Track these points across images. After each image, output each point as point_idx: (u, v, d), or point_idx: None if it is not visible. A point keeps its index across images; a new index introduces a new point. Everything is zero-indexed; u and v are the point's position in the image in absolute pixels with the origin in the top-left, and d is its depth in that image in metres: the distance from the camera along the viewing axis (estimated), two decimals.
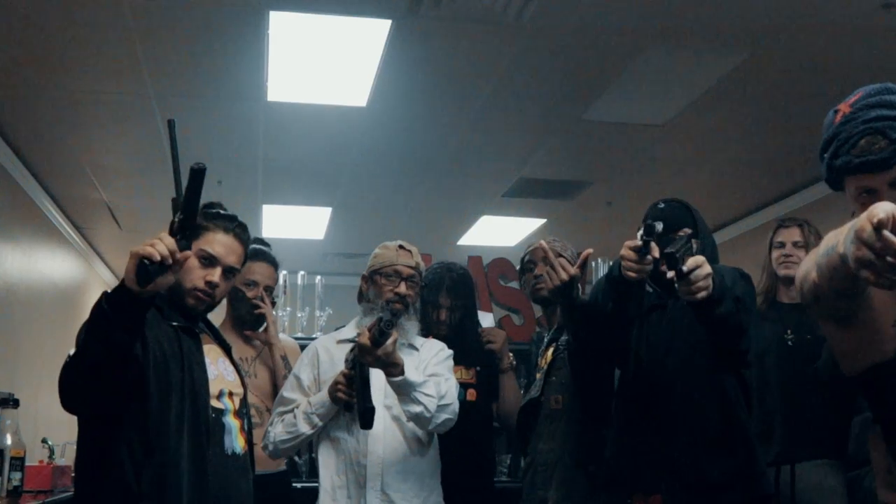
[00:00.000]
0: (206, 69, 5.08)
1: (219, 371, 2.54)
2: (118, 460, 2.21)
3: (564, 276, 2.83)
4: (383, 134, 6.09)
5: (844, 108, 1.99)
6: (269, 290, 3.82)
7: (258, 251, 3.77)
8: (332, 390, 2.99)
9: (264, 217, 8.20)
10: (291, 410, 3.12)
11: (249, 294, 3.73)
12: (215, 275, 2.49)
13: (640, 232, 2.62)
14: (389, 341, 2.80)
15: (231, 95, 5.45)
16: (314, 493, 3.17)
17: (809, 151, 6.12)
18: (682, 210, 3.04)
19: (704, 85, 5.21)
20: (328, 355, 3.21)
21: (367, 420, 2.82)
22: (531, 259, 3.60)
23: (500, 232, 8.68)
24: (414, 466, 3.06)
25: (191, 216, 2.12)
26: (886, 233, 1.43)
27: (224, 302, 3.79)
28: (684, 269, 2.45)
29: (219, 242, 2.51)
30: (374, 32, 4.61)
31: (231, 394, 2.54)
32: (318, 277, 6.42)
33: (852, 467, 3.00)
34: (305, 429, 3.05)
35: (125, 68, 5.04)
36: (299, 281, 6.36)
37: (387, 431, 3.06)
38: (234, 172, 6.80)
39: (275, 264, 3.86)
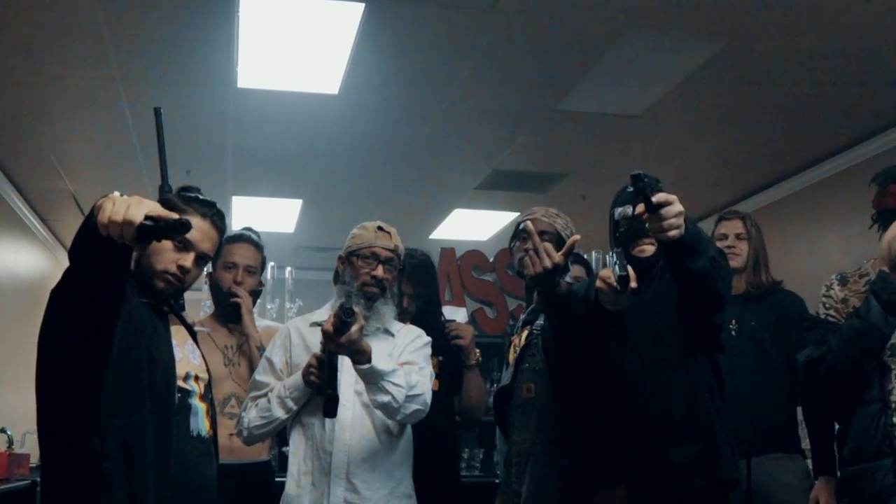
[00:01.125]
0: (175, 53, 4.96)
1: (185, 353, 2.47)
2: (82, 422, 2.11)
3: (548, 263, 2.73)
4: (355, 123, 6.00)
5: None
6: (252, 271, 3.69)
7: (239, 234, 3.72)
8: (306, 373, 2.91)
9: (234, 209, 8.08)
10: (265, 394, 3.03)
11: (228, 276, 3.62)
12: (188, 260, 2.40)
13: (616, 269, 2.55)
14: (354, 328, 2.71)
15: (200, 81, 5.33)
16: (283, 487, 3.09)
17: (791, 140, 6.19)
18: (654, 186, 2.88)
19: (682, 74, 5.16)
20: (300, 338, 3.13)
21: (329, 409, 2.75)
22: (527, 228, 3.33)
23: (472, 226, 8.61)
24: (382, 456, 2.97)
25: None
26: None
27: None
28: (654, 199, 2.36)
29: (195, 227, 2.41)
30: (346, 16, 4.52)
31: (197, 377, 2.47)
32: (289, 269, 6.34)
33: (857, 461, 2.87)
34: (280, 413, 2.98)
35: (90, 52, 4.91)
36: (269, 273, 6.27)
37: (355, 419, 2.97)
38: (203, 162, 6.69)
39: (257, 245, 3.74)
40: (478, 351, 3.85)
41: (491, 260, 6.47)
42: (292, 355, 3.08)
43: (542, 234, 3.07)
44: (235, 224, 8.60)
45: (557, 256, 2.74)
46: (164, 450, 2.24)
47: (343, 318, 2.69)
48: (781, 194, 7.12)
